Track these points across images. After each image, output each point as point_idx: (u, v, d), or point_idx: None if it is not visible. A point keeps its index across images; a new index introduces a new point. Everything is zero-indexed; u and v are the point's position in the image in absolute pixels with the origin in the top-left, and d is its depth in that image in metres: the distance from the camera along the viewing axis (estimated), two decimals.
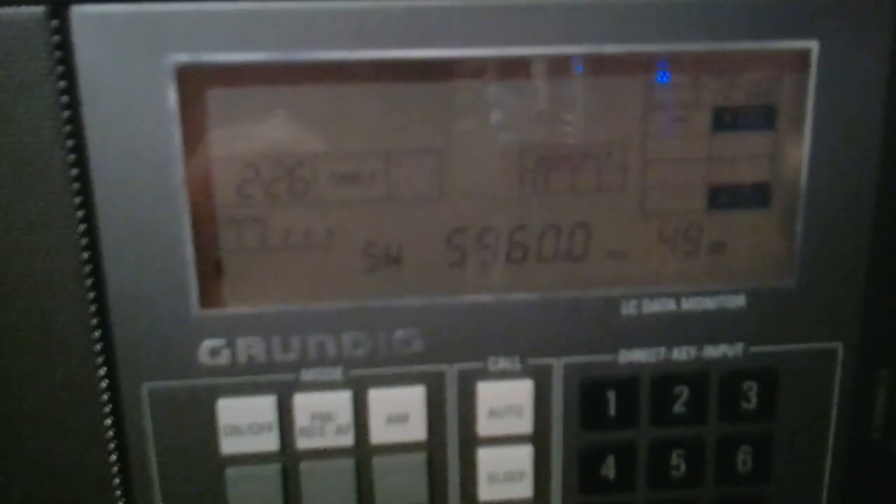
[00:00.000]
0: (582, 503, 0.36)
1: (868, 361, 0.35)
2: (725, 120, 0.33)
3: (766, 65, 0.33)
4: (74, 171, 0.30)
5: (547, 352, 0.34)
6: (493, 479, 0.35)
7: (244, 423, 0.33)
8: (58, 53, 0.29)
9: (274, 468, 0.34)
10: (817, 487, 0.37)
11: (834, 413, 0.36)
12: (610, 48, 0.31)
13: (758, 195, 0.34)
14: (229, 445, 0.33)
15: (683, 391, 0.35)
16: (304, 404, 0.33)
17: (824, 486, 0.37)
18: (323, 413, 0.33)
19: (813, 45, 0.31)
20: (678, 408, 0.35)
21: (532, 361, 0.34)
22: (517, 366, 0.34)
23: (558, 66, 0.32)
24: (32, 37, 0.28)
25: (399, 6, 0.30)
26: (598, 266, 0.34)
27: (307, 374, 0.33)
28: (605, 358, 0.34)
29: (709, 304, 0.34)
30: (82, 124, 0.30)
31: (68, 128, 0.29)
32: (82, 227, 0.30)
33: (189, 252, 0.31)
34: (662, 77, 0.33)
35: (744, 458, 0.36)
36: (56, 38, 0.29)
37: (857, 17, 0.31)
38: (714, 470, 0.36)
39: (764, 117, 0.33)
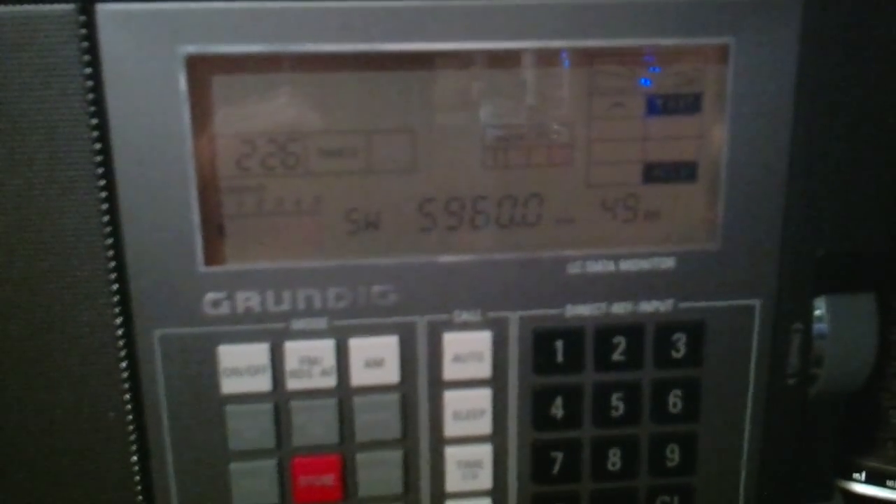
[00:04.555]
0: (534, 438, 0.38)
1: (783, 316, 0.37)
2: (658, 105, 0.36)
3: (691, 58, 0.35)
4: (98, 145, 0.32)
5: (504, 306, 0.36)
6: (457, 416, 0.37)
7: (242, 366, 0.35)
8: (85, 44, 0.31)
9: (267, 406, 0.36)
10: (740, 426, 0.39)
11: (754, 361, 0.38)
12: (558, 43, 0.34)
13: (686, 170, 0.36)
14: (229, 386, 0.36)
15: (622, 341, 0.37)
16: (294, 350, 0.36)
17: (746, 426, 0.39)
18: (310, 358, 0.36)
19: (730, 41, 0.34)
20: (617, 356, 0.37)
21: (491, 314, 0.36)
22: (478, 318, 0.36)
23: (515, 58, 0.35)
24: (64, 30, 0.31)
25: (377, 6, 0.32)
26: (548, 231, 0.36)
27: (296, 324, 0.35)
28: (554, 311, 0.37)
29: (644, 265, 0.36)
30: (105, 105, 0.32)
31: (93, 107, 0.32)
32: (104, 194, 0.33)
33: (196, 216, 0.34)
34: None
35: (675, 401, 0.38)
36: (83, 31, 0.31)
37: (768, 17, 0.34)
38: (649, 410, 0.38)
39: (691, 103, 0.36)
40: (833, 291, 0.38)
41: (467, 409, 0.37)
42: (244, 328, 0.35)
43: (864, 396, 0.42)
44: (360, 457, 0.37)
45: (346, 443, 0.37)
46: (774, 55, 0.35)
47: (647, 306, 0.37)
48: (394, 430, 0.37)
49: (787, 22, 0.34)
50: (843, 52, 0.35)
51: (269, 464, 0.37)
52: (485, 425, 0.38)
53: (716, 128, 0.36)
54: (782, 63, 0.35)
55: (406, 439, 0.38)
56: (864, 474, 0.45)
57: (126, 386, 0.35)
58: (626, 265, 0.37)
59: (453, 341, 0.37)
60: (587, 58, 0.35)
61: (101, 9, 0.31)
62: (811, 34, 0.34)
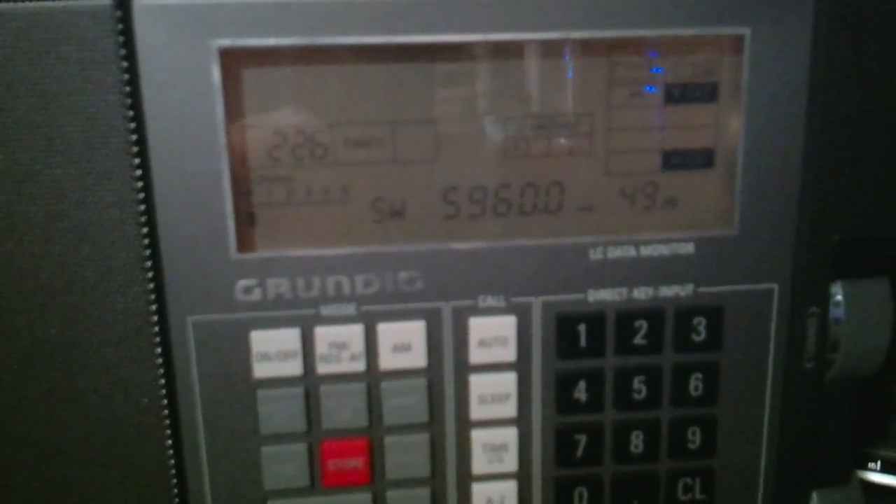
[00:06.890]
0: (558, 422, 0.39)
1: (800, 300, 0.38)
2: (675, 94, 0.36)
3: (708, 48, 0.36)
4: (134, 136, 0.33)
5: (527, 291, 0.37)
6: (482, 400, 0.38)
7: (273, 351, 0.36)
8: (121, 38, 0.32)
9: (298, 390, 0.37)
10: (759, 409, 0.39)
11: (772, 345, 0.38)
12: (579, 34, 0.34)
13: (704, 158, 0.37)
14: (260, 370, 0.36)
15: (643, 325, 0.38)
16: (324, 335, 0.36)
17: (765, 408, 0.39)
18: (339, 343, 0.36)
19: (746, 32, 0.35)
20: (638, 340, 0.38)
21: (515, 299, 0.37)
22: (502, 303, 0.37)
23: (536, 49, 0.35)
24: (101, 24, 0.32)
25: None
26: (570, 218, 0.37)
27: (326, 310, 0.36)
28: (576, 297, 0.37)
29: (663, 250, 0.37)
30: (141, 96, 0.33)
31: (129, 100, 0.32)
32: (140, 184, 0.33)
33: (228, 205, 0.34)
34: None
35: (695, 384, 0.38)
36: (120, 25, 0.32)
37: (782, 8, 0.34)
38: (670, 393, 0.39)
39: (708, 92, 0.36)
40: (849, 276, 0.39)
41: (492, 393, 0.38)
42: (275, 314, 0.36)
43: (878, 387, 0.42)
44: (388, 440, 0.38)
45: (374, 426, 0.38)
46: (789, 44, 0.35)
47: (668, 291, 0.38)
48: (421, 413, 0.38)
49: (801, 12, 0.35)
50: (855, 39, 0.35)
51: (300, 447, 0.37)
52: (510, 409, 0.38)
53: (732, 116, 0.36)
54: (797, 52, 0.35)
55: (433, 423, 0.38)
56: (879, 463, 0.45)
57: (160, 371, 0.36)
58: (647, 251, 0.37)
59: (478, 326, 0.37)
60: (606, 49, 0.36)
61: (138, 3, 0.32)
62: (824, 23, 0.35)
